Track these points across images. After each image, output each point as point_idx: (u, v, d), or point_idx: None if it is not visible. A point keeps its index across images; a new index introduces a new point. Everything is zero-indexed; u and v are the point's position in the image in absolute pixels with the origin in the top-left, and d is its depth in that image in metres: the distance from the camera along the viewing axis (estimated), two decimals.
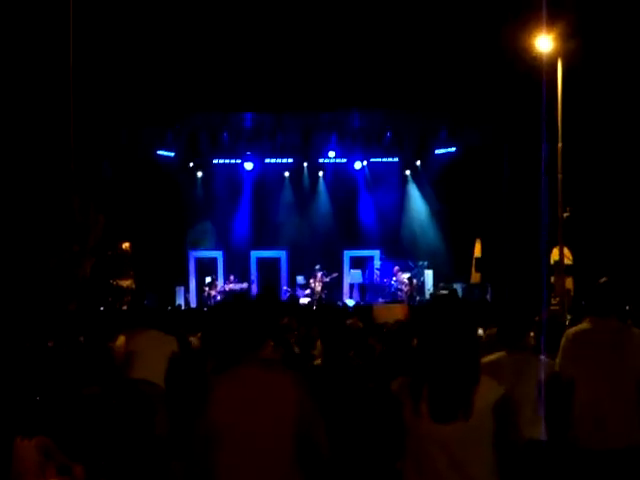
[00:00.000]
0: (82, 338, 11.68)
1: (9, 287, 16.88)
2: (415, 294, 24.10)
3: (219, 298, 23.92)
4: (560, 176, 18.50)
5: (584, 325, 6.57)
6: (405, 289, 24.06)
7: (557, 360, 6.48)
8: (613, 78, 19.11)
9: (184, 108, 22.53)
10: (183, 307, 23.06)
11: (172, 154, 25.72)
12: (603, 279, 6.54)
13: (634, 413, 6.19)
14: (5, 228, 17.38)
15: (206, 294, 24.29)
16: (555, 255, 19.81)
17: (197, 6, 19.64)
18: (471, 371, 4.41)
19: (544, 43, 18.41)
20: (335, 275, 24.82)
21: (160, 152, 25.40)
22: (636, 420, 6.19)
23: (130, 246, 19.67)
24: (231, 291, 24.19)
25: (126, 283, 18.89)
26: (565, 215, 18.82)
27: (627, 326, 6.66)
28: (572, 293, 19.28)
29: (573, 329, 6.71)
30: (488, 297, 22.30)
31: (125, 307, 18.56)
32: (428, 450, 4.38)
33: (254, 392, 4.46)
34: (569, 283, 19.39)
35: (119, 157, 22.79)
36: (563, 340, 6.56)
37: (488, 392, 4.42)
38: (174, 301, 23.71)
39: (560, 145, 18.20)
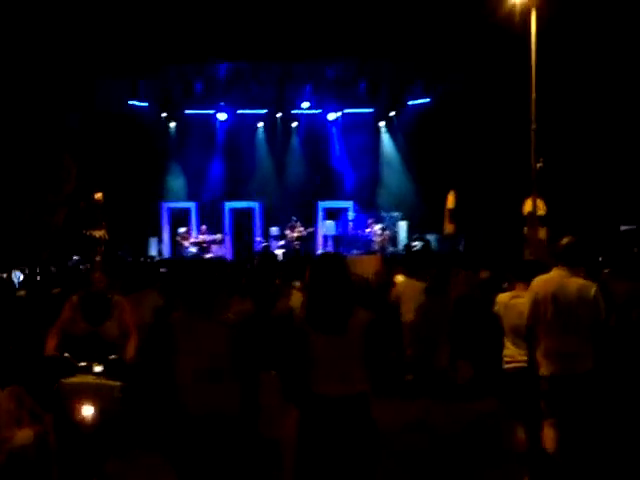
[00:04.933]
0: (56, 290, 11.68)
1: None
2: (388, 245, 24.15)
3: (192, 249, 23.89)
4: (533, 126, 18.49)
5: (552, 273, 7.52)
6: (379, 240, 24.09)
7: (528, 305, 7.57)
8: (588, 26, 19.07)
9: (157, 58, 22.32)
10: (157, 258, 23.05)
11: (145, 104, 25.55)
12: (567, 238, 7.42)
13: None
14: None
15: (179, 245, 24.23)
16: (528, 206, 19.85)
17: None
18: (344, 303, 6.00)
19: None
20: (311, 229, 24.84)
21: (132, 102, 25.22)
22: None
23: (103, 196, 19.56)
24: (204, 242, 24.14)
25: (99, 233, 18.81)
26: (538, 166, 18.83)
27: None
28: (545, 244, 19.34)
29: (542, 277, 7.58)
30: (461, 248, 22.38)
31: (98, 257, 18.53)
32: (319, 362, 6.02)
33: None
34: (542, 234, 19.45)
35: (91, 107, 22.58)
36: (533, 283, 7.58)
37: (361, 317, 6.01)
38: (147, 252, 23.69)
39: (534, 96, 18.17)
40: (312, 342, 6.02)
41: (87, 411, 7.35)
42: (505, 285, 10.14)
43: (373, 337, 6.05)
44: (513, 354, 8.08)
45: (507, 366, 8.15)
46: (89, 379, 7.42)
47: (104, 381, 7.45)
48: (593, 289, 7.33)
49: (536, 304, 7.47)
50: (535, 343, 7.49)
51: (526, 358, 7.68)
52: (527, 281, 7.84)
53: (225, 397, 6.18)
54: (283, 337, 6.47)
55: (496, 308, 8.44)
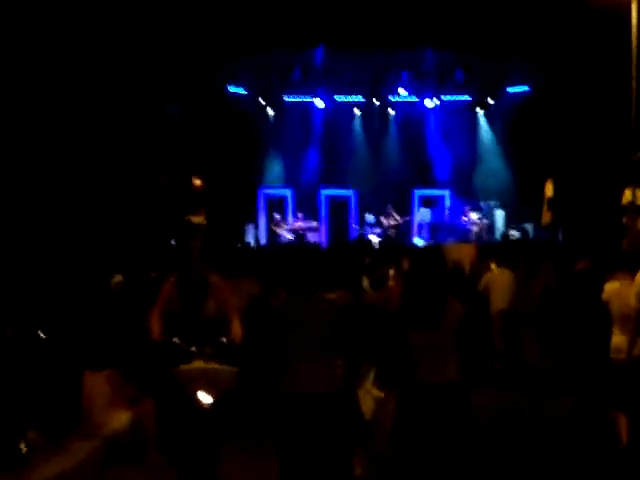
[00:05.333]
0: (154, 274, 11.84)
1: (91, 220, 17.20)
2: (485, 234, 24.00)
3: (288, 236, 24.06)
4: (633, 116, 18.16)
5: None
6: (475, 229, 23.98)
7: None
8: None
9: (254, 43, 22.47)
10: (253, 244, 23.26)
11: (243, 91, 25.76)
12: None
13: None
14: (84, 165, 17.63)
15: (275, 232, 24.41)
16: (628, 196, 19.49)
17: None
18: (439, 299, 6.25)
19: None
20: (407, 217, 24.82)
21: (231, 88, 25.46)
22: None
23: (202, 183, 19.80)
24: (300, 229, 24.30)
25: (198, 219, 19.04)
26: (638, 156, 18.48)
27: None
28: None
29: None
30: (559, 237, 22.11)
31: (197, 243, 18.76)
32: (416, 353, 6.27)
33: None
34: None
35: (191, 96, 22.84)
36: None
37: (456, 310, 6.30)
38: (243, 238, 23.92)
39: (634, 84, 17.83)
40: (408, 336, 6.14)
41: (207, 398, 7.39)
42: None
43: (467, 329, 6.35)
44: (620, 343, 8.22)
45: (615, 356, 8.24)
46: (206, 365, 7.47)
47: (221, 366, 7.51)
48: None
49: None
50: None
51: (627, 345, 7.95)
52: (628, 269, 7.87)
53: (329, 374, 6.41)
54: (380, 328, 6.64)
55: (605, 296, 8.57)
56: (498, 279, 12.86)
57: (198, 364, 7.46)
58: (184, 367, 7.45)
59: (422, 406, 6.28)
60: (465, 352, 6.37)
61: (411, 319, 6.35)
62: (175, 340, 7.58)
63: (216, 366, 7.47)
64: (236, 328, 7.76)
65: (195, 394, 7.39)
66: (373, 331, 7.27)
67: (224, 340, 7.54)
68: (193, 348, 7.48)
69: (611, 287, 8.43)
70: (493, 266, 13.52)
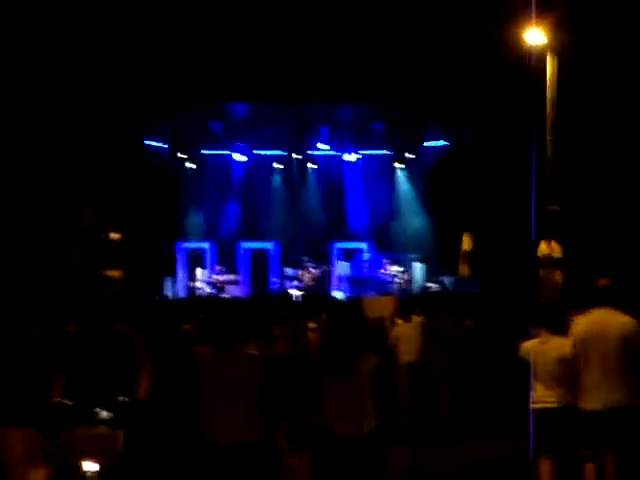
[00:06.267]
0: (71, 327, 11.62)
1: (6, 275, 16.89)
2: (404, 287, 24.11)
3: (208, 290, 23.91)
4: (548, 169, 18.49)
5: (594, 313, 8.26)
6: (396, 281, 24.08)
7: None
8: (606, 71, 19.10)
9: (173, 99, 22.43)
10: (171, 297, 23.04)
11: (161, 144, 25.68)
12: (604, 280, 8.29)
13: None
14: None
15: (194, 285, 24.25)
16: (544, 249, 19.77)
17: None
18: (355, 350, 6.41)
19: (534, 36, 18.37)
20: (325, 268, 24.86)
21: (149, 142, 25.35)
22: None
23: (120, 236, 19.63)
24: (219, 282, 24.17)
25: (115, 273, 18.83)
26: (554, 208, 18.78)
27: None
28: (561, 286, 19.26)
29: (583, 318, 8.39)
30: (476, 290, 22.31)
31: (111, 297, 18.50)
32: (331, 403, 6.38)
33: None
34: (558, 276, 19.37)
35: (107, 147, 22.68)
36: (575, 325, 8.35)
37: (370, 361, 6.48)
38: (161, 291, 23.70)
39: (549, 138, 18.16)
40: (324, 386, 6.23)
41: (92, 466, 6.98)
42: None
43: (381, 379, 6.53)
44: (543, 395, 8.59)
45: (537, 406, 8.68)
46: (92, 430, 7.07)
47: (107, 431, 7.09)
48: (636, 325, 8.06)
49: (581, 343, 8.19)
50: (578, 381, 8.18)
51: (555, 399, 8.44)
52: (551, 328, 8.65)
53: (249, 427, 6.44)
54: (295, 379, 6.72)
55: (522, 354, 8.91)
56: (405, 332, 13.06)
57: (82, 430, 7.06)
58: (68, 432, 7.09)
59: (338, 460, 6.36)
60: (380, 402, 6.49)
61: (327, 369, 6.38)
62: (66, 402, 7.21)
63: (102, 431, 7.06)
64: (144, 384, 7.52)
65: (79, 463, 6.98)
66: (285, 383, 7.28)
67: (122, 399, 7.22)
68: (97, 409, 7.09)
69: (534, 344, 8.79)
70: (400, 321, 13.74)
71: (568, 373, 8.28)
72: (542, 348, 8.65)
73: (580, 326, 8.30)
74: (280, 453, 7.34)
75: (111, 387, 7.38)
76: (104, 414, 7.12)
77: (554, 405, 8.47)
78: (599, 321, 8.18)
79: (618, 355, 7.99)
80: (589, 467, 8.06)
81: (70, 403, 7.17)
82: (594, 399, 8.00)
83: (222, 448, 6.38)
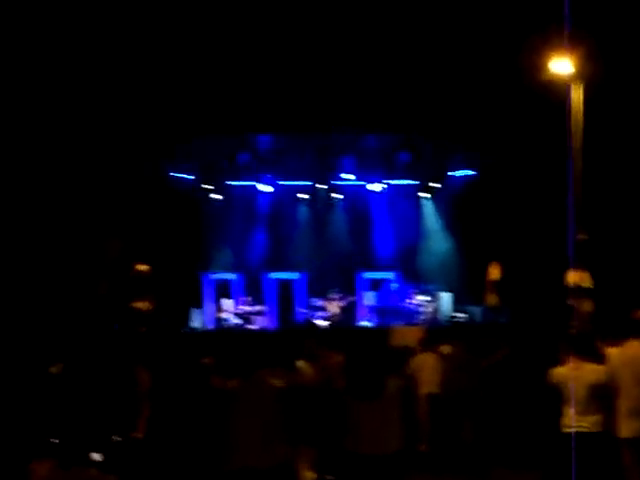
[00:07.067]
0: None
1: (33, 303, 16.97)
2: (432, 316, 24.02)
3: (235, 321, 23.89)
4: (577, 198, 18.39)
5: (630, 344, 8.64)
6: (423, 311, 24.01)
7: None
8: (635, 99, 19.07)
9: (199, 131, 22.53)
10: (199, 329, 23.04)
11: (187, 176, 25.76)
12: None
13: None
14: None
15: (221, 316, 24.23)
16: (572, 277, 19.66)
17: (212, 27, 19.60)
18: (377, 376, 6.66)
19: (561, 65, 18.37)
20: (352, 299, 24.82)
21: (175, 174, 25.44)
22: None
23: (148, 268, 19.67)
24: (246, 313, 24.15)
25: (143, 305, 18.85)
26: (583, 237, 18.68)
27: None
28: (591, 316, 19.14)
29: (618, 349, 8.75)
30: (505, 320, 22.19)
31: (142, 329, 18.56)
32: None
33: None
34: (588, 306, 19.25)
35: (133, 179, 22.80)
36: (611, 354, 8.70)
37: (393, 384, 6.77)
38: (189, 323, 23.69)
39: (579, 166, 18.10)
40: (351, 407, 6.79)
41: None
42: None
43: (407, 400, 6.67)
44: (575, 420, 8.74)
45: (569, 430, 8.78)
46: (82, 474, 6.65)
47: (98, 475, 6.70)
48: None
49: (617, 372, 8.54)
50: (613, 408, 8.53)
51: (588, 424, 8.62)
52: (583, 355, 8.81)
53: (270, 453, 6.48)
54: (321, 408, 6.93)
55: (553, 379, 9.10)
56: (428, 362, 13.03)
57: (74, 472, 6.63)
58: (60, 472, 6.67)
59: (363, 478, 6.58)
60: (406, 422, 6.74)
61: (355, 391, 6.74)
62: (53, 440, 7.04)
63: (93, 474, 6.66)
64: (142, 424, 7.48)
65: None
66: (313, 412, 7.37)
67: (116, 439, 7.08)
68: (95, 455, 6.88)
69: (563, 370, 8.84)
70: (423, 350, 13.73)
71: (601, 399, 8.40)
72: (575, 374, 8.74)
73: (617, 356, 8.58)
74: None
75: (107, 425, 7.30)
76: (96, 456, 6.94)
77: (587, 430, 8.58)
78: (636, 351, 8.45)
79: None
80: None
81: (57, 441, 6.99)
82: (629, 427, 8.24)
83: (242, 472, 6.50)
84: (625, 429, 8.31)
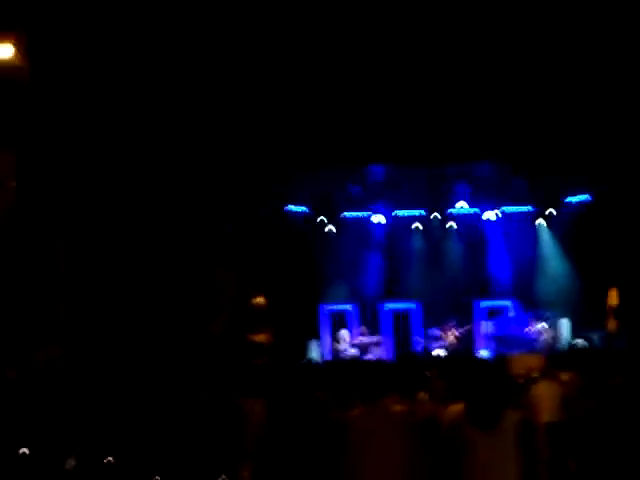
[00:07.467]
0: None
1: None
2: (551, 343, 23.72)
3: (351, 351, 23.96)
4: None
5: None
6: (542, 339, 23.73)
7: None
8: None
9: (312, 163, 22.76)
10: (317, 361, 23.15)
11: (302, 209, 26.02)
12: None
13: None
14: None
15: (338, 347, 24.33)
16: None
17: (323, 58, 19.81)
18: (497, 405, 6.55)
19: None
20: (469, 327, 24.66)
21: (290, 207, 25.72)
22: None
23: (265, 301, 19.88)
24: (363, 344, 24.20)
25: (261, 338, 19.04)
26: None
27: None
28: None
29: None
30: (622, 346, 21.79)
31: (260, 362, 18.76)
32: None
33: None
34: None
35: (249, 214, 23.15)
36: None
37: (511, 416, 6.62)
38: (306, 354, 23.84)
39: None
40: (468, 435, 6.62)
41: None
42: None
43: (523, 435, 6.67)
44: None
45: None
46: None
47: None
48: None
49: None
50: None
51: None
52: None
53: None
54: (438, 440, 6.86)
55: None
56: (548, 390, 12.82)
57: None
58: None
59: None
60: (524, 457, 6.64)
61: (473, 419, 6.62)
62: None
63: None
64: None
65: None
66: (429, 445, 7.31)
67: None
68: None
69: None
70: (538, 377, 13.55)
71: None
72: None
73: None
74: None
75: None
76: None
77: None
78: None
79: None
80: None
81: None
82: None
83: None
84: None
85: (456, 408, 6.89)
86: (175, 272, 19.09)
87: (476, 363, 10.27)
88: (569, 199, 25.89)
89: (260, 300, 19.90)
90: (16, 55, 15.07)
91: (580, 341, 23.06)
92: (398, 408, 7.09)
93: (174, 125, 19.10)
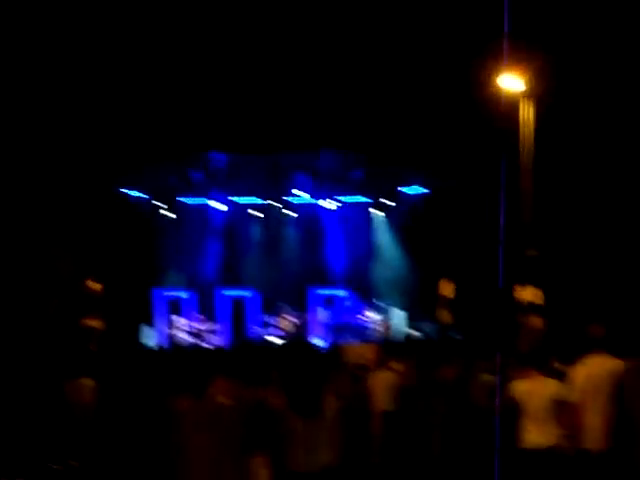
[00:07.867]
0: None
1: None
2: (385, 334, 24.05)
3: (187, 339, 23.78)
4: (527, 214, 18.58)
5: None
6: (374, 328, 24.04)
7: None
8: (584, 116, 19.29)
9: (152, 149, 22.49)
10: (151, 347, 22.88)
11: (139, 194, 25.66)
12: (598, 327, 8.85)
13: None
14: None
15: (173, 333, 24.11)
16: (524, 295, 19.82)
17: (170, 47, 19.61)
18: (316, 393, 6.75)
19: (509, 81, 18.56)
20: (304, 315, 24.80)
21: (128, 191, 25.34)
22: None
23: (99, 286, 19.58)
24: (199, 331, 24.05)
25: (95, 323, 18.74)
26: (533, 254, 18.86)
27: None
28: (542, 333, 19.29)
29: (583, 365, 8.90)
30: (458, 336, 22.28)
31: (93, 347, 18.45)
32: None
33: None
34: (538, 322, 19.40)
35: (85, 197, 22.68)
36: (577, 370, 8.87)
37: (333, 404, 6.85)
38: (139, 340, 23.52)
39: (529, 183, 18.29)
40: (290, 424, 6.82)
41: None
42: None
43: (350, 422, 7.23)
44: (536, 435, 8.83)
45: (529, 446, 8.86)
46: None
47: None
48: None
49: (580, 386, 8.70)
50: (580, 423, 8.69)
51: (548, 438, 8.72)
52: (540, 370, 8.98)
53: (229, 473, 6.51)
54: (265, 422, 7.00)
55: (515, 394, 9.10)
56: (382, 380, 13.04)
57: None
58: None
59: None
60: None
61: (294, 407, 6.82)
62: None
63: None
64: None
65: None
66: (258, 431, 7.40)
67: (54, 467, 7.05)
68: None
69: (522, 384, 8.95)
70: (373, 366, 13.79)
71: (563, 414, 8.48)
72: (533, 388, 8.87)
73: (579, 372, 8.75)
74: None
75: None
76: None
77: (549, 444, 8.70)
78: (598, 367, 8.63)
79: (614, 398, 8.45)
80: None
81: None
82: (592, 441, 8.49)
83: None
84: (589, 443, 8.54)
85: (280, 396, 7.01)
86: (9, 253, 18.56)
87: (302, 351, 10.31)
88: (404, 189, 26.29)
89: (95, 285, 19.62)
90: None
91: (414, 331, 23.50)
92: (223, 400, 7.10)
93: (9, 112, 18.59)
